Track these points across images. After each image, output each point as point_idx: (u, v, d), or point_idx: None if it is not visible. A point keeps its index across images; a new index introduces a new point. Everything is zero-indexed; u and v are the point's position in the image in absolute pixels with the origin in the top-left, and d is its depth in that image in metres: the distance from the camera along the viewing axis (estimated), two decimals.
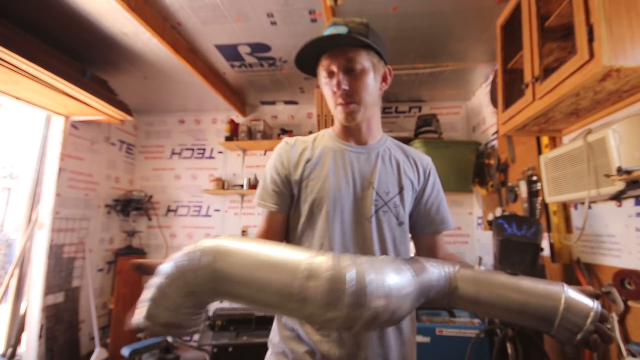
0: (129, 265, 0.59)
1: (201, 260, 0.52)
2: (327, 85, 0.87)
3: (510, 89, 1.60)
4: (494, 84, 2.36)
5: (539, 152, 1.76)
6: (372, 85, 0.86)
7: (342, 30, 0.81)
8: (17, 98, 2.12)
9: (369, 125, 0.93)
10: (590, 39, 0.99)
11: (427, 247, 0.96)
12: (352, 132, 0.93)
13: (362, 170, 0.89)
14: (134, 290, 3.08)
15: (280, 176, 0.90)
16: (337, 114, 0.88)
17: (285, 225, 0.93)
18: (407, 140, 2.80)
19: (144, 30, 1.83)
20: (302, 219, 0.88)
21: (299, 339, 0.83)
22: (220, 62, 2.43)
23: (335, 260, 0.53)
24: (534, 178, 1.86)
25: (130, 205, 3.14)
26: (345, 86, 0.82)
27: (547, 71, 1.25)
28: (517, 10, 1.46)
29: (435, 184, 0.96)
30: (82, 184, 2.75)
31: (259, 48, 2.23)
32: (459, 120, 3.12)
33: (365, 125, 0.92)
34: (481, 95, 2.75)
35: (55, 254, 2.46)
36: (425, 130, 2.83)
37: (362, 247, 0.85)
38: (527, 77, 1.34)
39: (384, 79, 0.91)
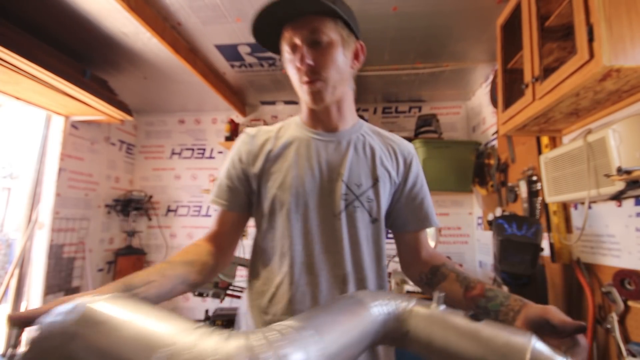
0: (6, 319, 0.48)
1: (55, 338, 0.38)
2: (291, 62, 0.76)
3: (510, 89, 1.60)
4: (494, 84, 2.36)
5: (539, 152, 1.76)
6: (342, 61, 0.76)
7: None
8: (17, 98, 2.12)
9: (340, 109, 0.81)
10: (590, 39, 0.99)
11: (409, 246, 0.87)
12: (320, 118, 0.82)
13: (330, 160, 0.79)
14: None
15: (236, 170, 0.81)
16: (302, 94, 0.77)
17: (238, 226, 0.83)
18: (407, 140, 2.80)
19: (144, 30, 1.83)
20: (264, 218, 0.80)
21: None
22: (220, 62, 2.43)
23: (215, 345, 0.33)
24: (534, 178, 1.86)
25: (130, 205, 3.14)
26: (309, 61, 0.72)
27: (547, 71, 1.25)
28: (517, 10, 1.46)
29: (418, 175, 0.87)
30: (82, 184, 2.75)
31: (259, 48, 2.23)
32: (459, 120, 3.12)
33: (335, 108, 0.81)
34: (481, 95, 2.74)
35: (55, 254, 2.46)
36: (425, 130, 2.83)
37: (329, 249, 0.76)
38: (527, 77, 1.34)
39: (356, 56, 0.81)
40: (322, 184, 0.78)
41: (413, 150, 0.89)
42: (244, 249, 3.10)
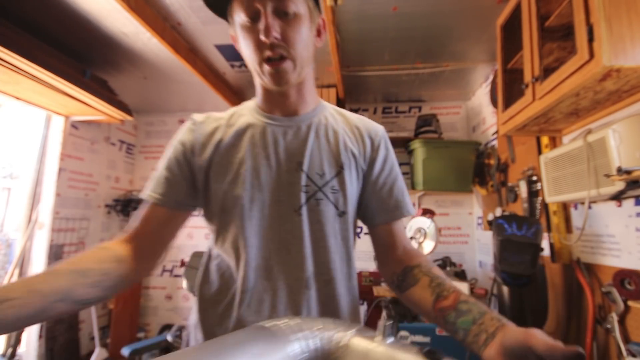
0: None
1: None
2: (249, 32, 0.62)
3: (510, 89, 1.60)
4: (494, 84, 2.36)
5: (539, 152, 1.76)
6: (309, 38, 0.66)
7: None
8: (17, 98, 2.12)
9: (300, 91, 0.71)
10: (590, 39, 0.99)
11: (382, 241, 0.75)
12: (277, 101, 0.71)
13: (289, 148, 0.69)
14: (134, 291, 3.08)
15: (178, 161, 0.69)
16: (262, 73, 0.64)
17: (169, 226, 0.70)
18: (407, 140, 2.81)
19: (144, 30, 1.83)
20: (215, 218, 0.69)
21: None
22: (220, 62, 2.43)
23: None
24: (534, 178, 1.86)
25: (130, 205, 3.14)
26: (277, 34, 0.60)
27: (547, 71, 1.25)
28: (517, 10, 1.46)
29: (387, 159, 0.76)
30: (82, 184, 2.75)
31: None
32: (459, 120, 3.12)
33: (295, 90, 0.70)
34: (481, 95, 2.74)
35: (55, 254, 2.46)
36: (425, 130, 2.83)
37: (289, 249, 0.66)
38: (527, 77, 1.34)
39: (319, 33, 0.71)
40: (280, 175, 0.68)
41: (382, 132, 0.78)
42: None
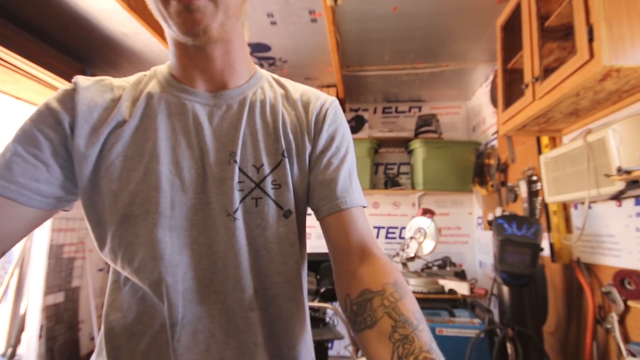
0: None
1: None
2: None
3: (510, 89, 1.60)
4: (494, 84, 2.36)
5: (539, 152, 1.76)
6: None
7: None
8: (17, 98, 2.12)
9: (229, 54, 0.54)
10: (590, 39, 0.99)
11: (332, 241, 0.55)
12: (199, 68, 0.54)
13: (217, 134, 0.53)
14: None
15: (49, 138, 0.48)
16: (170, 15, 0.45)
17: (24, 229, 0.48)
18: (407, 140, 2.81)
19: (144, 30, 1.83)
20: (111, 229, 0.49)
21: None
22: None
23: None
24: (534, 178, 1.86)
25: None
26: None
27: (547, 71, 1.25)
28: (517, 10, 1.46)
29: (335, 136, 0.58)
30: None
31: (259, 48, 2.23)
32: (459, 120, 3.12)
33: (221, 52, 0.53)
34: (481, 95, 2.75)
35: (55, 254, 2.46)
36: (425, 130, 2.83)
37: (225, 263, 0.50)
38: (527, 77, 1.34)
39: None
40: (207, 171, 0.51)
41: (331, 103, 0.60)
42: None
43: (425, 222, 2.24)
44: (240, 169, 0.52)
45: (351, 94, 2.97)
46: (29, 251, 2.39)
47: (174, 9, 0.44)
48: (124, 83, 0.58)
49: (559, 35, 1.34)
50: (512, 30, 1.54)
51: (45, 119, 0.49)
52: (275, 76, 0.63)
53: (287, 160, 0.54)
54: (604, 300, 1.38)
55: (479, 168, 2.60)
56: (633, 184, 1.11)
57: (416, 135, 2.85)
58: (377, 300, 0.46)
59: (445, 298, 2.25)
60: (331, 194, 0.54)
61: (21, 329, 2.31)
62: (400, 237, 2.99)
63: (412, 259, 2.26)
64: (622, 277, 1.27)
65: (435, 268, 2.63)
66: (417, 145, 2.66)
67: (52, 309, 2.42)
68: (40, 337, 2.29)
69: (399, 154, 3.10)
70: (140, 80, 0.58)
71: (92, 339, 2.73)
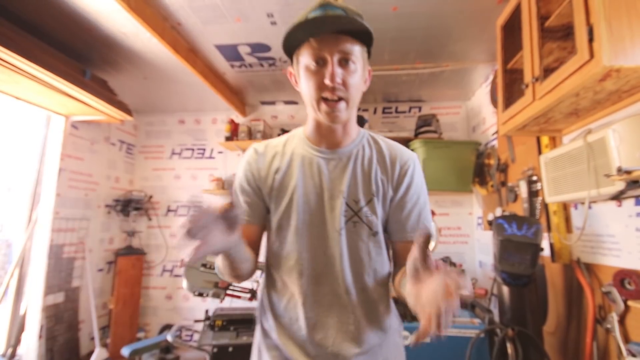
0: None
1: None
2: (313, 74, 0.74)
3: (510, 89, 1.60)
4: (494, 84, 2.36)
5: (539, 152, 1.76)
6: (360, 84, 0.79)
7: (340, 13, 0.72)
8: (17, 98, 2.12)
9: (345, 127, 0.84)
10: (590, 39, 0.99)
11: (399, 256, 0.86)
12: (325, 135, 0.84)
13: (332, 178, 0.83)
14: (133, 290, 3.08)
15: (251, 186, 0.86)
16: (320, 111, 0.76)
17: (260, 236, 0.89)
18: (407, 140, 2.81)
19: (144, 30, 1.83)
20: (273, 232, 0.85)
21: (280, 350, 0.83)
22: (220, 62, 2.43)
23: None
24: (534, 178, 1.86)
25: (130, 205, 3.14)
26: (339, 79, 0.72)
27: (547, 71, 1.25)
28: (517, 10, 1.46)
29: (411, 186, 0.85)
30: (82, 184, 2.75)
31: (259, 48, 2.23)
32: (459, 120, 3.12)
33: (341, 127, 0.83)
34: (481, 95, 2.75)
35: (55, 254, 2.46)
36: (425, 130, 2.83)
37: (333, 261, 0.81)
38: (527, 77, 1.34)
39: (365, 81, 0.83)
40: (324, 201, 0.82)
41: (412, 160, 0.86)
42: None
43: None
44: (345, 202, 0.81)
45: None
46: (29, 251, 2.39)
47: (324, 108, 0.75)
48: (279, 143, 0.89)
49: (559, 35, 1.34)
50: (512, 30, 1.54)
51: (247, 177, 0.87)
52: (372, 134, 0.91)
53: (376, 198, 0.82)
54: (604, 300, 1.38)
55: (479, 168, 2.60)
56: (633, 184, 1.11)
57: (416, 135, 2.85)
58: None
59: None
60: (403, 228, 0.84)
61: (21, 329, 2.31)
62: None
63: None
64: (622, 277, 1.27)
65: None
66: (417, 146, 2.66)
67: (52, 309, 2.42)
68: (40, 337, 2.29)
69: None
70: (287, 140, 0.89)
71: (92, 339, 2.72)
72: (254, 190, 0.85)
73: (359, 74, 0.76)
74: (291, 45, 0.78)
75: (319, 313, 0.81)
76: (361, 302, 0.82)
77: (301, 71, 0.77)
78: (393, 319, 0.88)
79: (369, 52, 0.80)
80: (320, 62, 0.74)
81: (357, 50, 0.75)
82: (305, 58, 0.75)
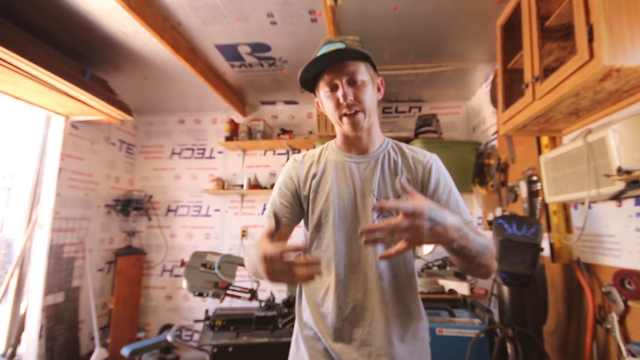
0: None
1: None
2: (330, 99, 0.90)
3: (510, 89, 1.60)
4: (494, 84, 2.36)
5: (539, 152, 1.76)
6: (372, 94, 0.92)
7: (341, 46, 0.88)
8: (17, 98, 2.12)
9: (369, 134, 0.96)
10: (590, 39, 0.99)
11: None
12: (353, 143, 0.97)
13: (363, 179, 0.94)
14: (133, 290, 3.08)
15: (290, 190, 0.98)
16: (344, 125, 0.91)
17: (291, 233, 1.00)
18: (407, 140, 2.80)
19: (143, 30, 1.83)
20: (312, 228, 0.95)
21: (317, 339, 0.92)
22: (220, 62, 2.43)
23: None
24: (534, 178, 1.86)
25: (130, 205, 3.14)
26: (351, 97, 0.87)
27: (547, 71, 1.25)
28: (517, 10, 1.46)
29: (439, 180, 0.94)
30: (82, 184, 2.75)
31: (259, 48, 2.23)
32: (459, 120, 3.12)
33: (366, 134, 0.95)
34: (481, 95, 2.75)
35: (55, 254, 2.46)
36: (425, 130, 2.83)
37: (367, 252, 0.91)
38: (527, 77, 1.34)
39: (378, 89, 0.98)
40: (358, 199, 0.92)
41: (432, 158, 0.97)
42: (243, 249, 3.11)
43: None
44: (376, 199, 0.91)
45: None
46: (29, 251, 2.39)
47: (346, 121, 0.89)
48: (315, 153, 1.02)
49: (559, 35, 1.34)
50: (512, 30, 1.54)
51: (287, 182, 0.99)
52: (395, 141, 1.02)
53: (403, 196, 0.89)
54: (604, 300, 1.38)
55: (479, 168, 2.60)
56: (633, 184, 1.11)
57: (416, 135, 2.85)
58: None
59: (445, 298, 2.25)
60: None
61: (21, 329, 2.31)
62: None
63: None
64: (622, 277, 1.26)
65: (435, 268, 2.63)
66: (417, 146, 2.65)
67: (52, 309, 2.42)
68: (40, 337, 2.29)
69: None
70: (322, 150, 1.02)
71: (92, 339, 2.73)
72: (293, 194, 0.97)
73: (368, 87, 0.90)
74: (307, 82, 0.94)
75: (355, 299, 0.90)
76: (393, 290, 0.91)
77: (322, 99, 0.93)
78: (420, 310, 0.96)
79: (373, 66, 0.94)
80: (334, 88, 0.89)
81: (361, 69, 0.89)
82: (322, 88, 0.91)
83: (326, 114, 0.96)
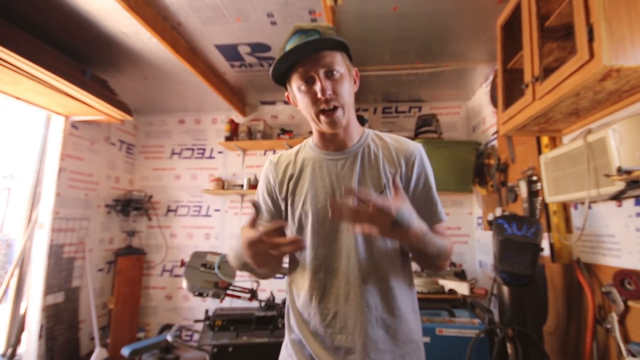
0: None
1: None
2: (306, 93, 0.82)
3: (510, 89, 1.60)
4: (494, 84, 2.36)
5: (539, 152, 1.76)
6: (350, 88, 0.86)
7: (315, 35, 0.81)
8: (17, 98, 2.12)
9: (347, 129, 0.89)
10: (590, 39, 0.99)
11: None
12: (330, 140, 0.90)
13: (342, 177, 0.88)
14: (134, 290, 3.08)
15: (270, 195, 0.94)
16: (321, 123, 0.84)
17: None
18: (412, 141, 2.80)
19: (144, 30, 1.83)
20: (295, 232, 0.91)
21: (303, 345, 0.87)
22: (220, 62, 2.43)
23: None
24: (534, 178, 1.86)
25: (130, 205, 3.14)
26: (329, 90, 0.80)
27: (547, 71, 1.25)
28: (517, 10, 1.46)
29: (421, 175, 0.90)
30: (82, 184, 2.75)
31: (259, 48, 2.23)
32: (459, 120, 3.12)
33: (343, 130, 0.88)
34: (481, 95, 2.75)
35: (55, 254, 2.46)
36: (425, 130, 2.83)
37: (349, 254, 0.85)
38: (527, 77, 1.34)
39: (355, 81, 0.90)
40: (336, 198, 0.87)
41: (418, 150, 0.91)
42: None
43: None
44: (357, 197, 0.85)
45: None
46: (29, 251, 2.39)
47: (324, 119, 0.83)
48: (292, 152, 0.97)
49: (559, 35, 1.34)
50: (512, 30, 1.54)
51: (267, 186, 0.96)
52: (377, 132, 0.96)
53: (387, 190, 0.85)
54: (604, 300, 1.38)
55: (479, 168, 2.60)
56: (633, 184, 1.11)
57: (416, 135, 2.85)
58: None
59: (445, 298, 2.25)
60: (420, 217, 0.80)
61: (21, 329, 2.31)
62: None
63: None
64: (622, 277, 1.26)
65: None
66: None
67: (52, 309, 2.42)
68: (40, 337, 2.29)
69: None
70: (299, 149, 0.97)
71: (92, 339, 2.73)
72: (273, 198, 0.94)
73: (346, 80, 0.84)
74: (279, 76, 0.87)
75: (337, 305, 0.84)
76: (379, 291, 0.85)
77: (296, 94, 0.85)
78: (411, 312, 0.89)
79: (349, 56, 0.87)
80: (310, 81, 0.81)
81: (338, 59, 0.82)
82: (296, 82, 0.83)
83: (300, 109, 0.89)
